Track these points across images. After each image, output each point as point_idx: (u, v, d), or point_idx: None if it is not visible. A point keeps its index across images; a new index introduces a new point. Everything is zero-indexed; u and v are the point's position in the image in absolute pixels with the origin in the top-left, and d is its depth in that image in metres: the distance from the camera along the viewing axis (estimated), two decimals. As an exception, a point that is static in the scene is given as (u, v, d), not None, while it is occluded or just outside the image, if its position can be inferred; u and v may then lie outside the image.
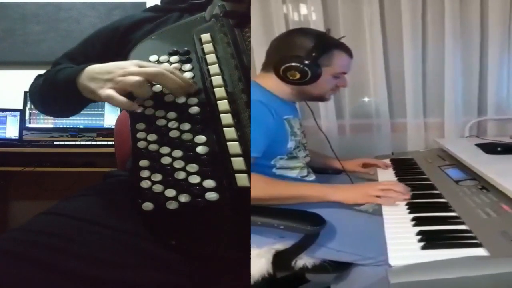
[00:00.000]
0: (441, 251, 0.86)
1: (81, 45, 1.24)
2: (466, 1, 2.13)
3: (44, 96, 1.14)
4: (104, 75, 0.93)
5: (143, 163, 0.89)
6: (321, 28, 2.14)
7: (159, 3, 1.34)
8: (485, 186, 1.20)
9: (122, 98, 0.90)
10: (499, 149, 1.57)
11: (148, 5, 3.12)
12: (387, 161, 1.73)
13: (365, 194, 1.20)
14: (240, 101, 0.94)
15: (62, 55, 1.23)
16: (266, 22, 2.25)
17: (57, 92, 1.06)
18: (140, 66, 0.93)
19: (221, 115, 0.91)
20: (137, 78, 0.89)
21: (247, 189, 0.84)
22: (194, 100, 0.95)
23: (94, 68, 0.96)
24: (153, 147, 0.90)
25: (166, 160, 0.88)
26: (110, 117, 3.10)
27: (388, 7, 2.22)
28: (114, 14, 3.20)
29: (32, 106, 3.08)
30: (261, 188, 1.19)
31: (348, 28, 2.23)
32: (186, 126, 0.91)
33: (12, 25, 3.27)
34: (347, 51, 1.39)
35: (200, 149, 0.88)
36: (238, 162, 0.85)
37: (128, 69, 0.91)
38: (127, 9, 3.22)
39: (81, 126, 3.13)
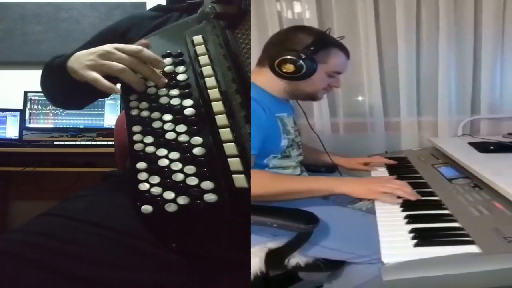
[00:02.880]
0: (434, 249, 0.87)
1: (83, 48, 1.23)
2: (460, 0, 2.14)
3: (45, 83, 1.18)
4: (86, 56, 0.97)
5: (141, 165, 0.88)
6: (315, 26, 2.15)
7: (159, 3, 1.33)
8: (478, 184, 1.21)
9: (104, 82, 0.94)
10: (492, 147, 1.57)
11: (148, 5, 3.15)
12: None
13: (372, 190, 1.18)
14: (234, 101, 0.94)
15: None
16: (260, 19, 2.26)
17: (52, 77, 1.10)
18: (116, 47, 0.97)
19: (215, 116, 0.92)
20: (119, 65, 0.94)
21: (245, 190, 0.83)
22: (188, 101, 0.95)
23: (81, 51, 1.01)
24: (149, 149, 0.90)
25: (163, 162, 0.88)
26: (110, 117, 3.10)
27: (382, 6, 2.23)
28: (114, 14, 3.20)
29: (32, 106, 3.09)
30: (267, 184, 1.19)
31: (342, 26, 2.24)
32: (182, 128, 0.91)
33: (12, 25, 3.27)
34: (345, 51, 1.39)
35: (196, 151, 0.88)
36: (234, 163, 0.85)
37: (106, 49, 0.96)
38: (127, 9, 3.22)
39: (81, 126, 3.13)
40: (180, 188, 0.84)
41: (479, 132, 2.24)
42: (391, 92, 2.31)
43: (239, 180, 0.84)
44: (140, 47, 0.97)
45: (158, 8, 1.30)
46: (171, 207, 0.83)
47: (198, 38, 1.05)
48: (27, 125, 3.11)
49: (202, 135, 0.90)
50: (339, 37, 1.40)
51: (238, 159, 0.86)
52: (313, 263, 1.23)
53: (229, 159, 0.86)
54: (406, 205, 1.14)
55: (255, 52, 1.34)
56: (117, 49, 0.96)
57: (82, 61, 0.97)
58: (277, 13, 2.26)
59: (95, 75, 0.94)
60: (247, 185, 0.83)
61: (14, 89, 3.10)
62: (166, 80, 0.98)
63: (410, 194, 1.17)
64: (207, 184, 0.84)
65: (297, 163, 1.44)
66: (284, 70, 1.29)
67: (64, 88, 1.10)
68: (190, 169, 0.86)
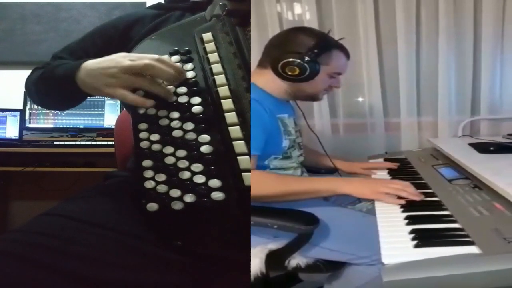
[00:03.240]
0: (434, 249, 0.87)
1: (81, 41, 1.24)
2: (459, 1, 2.14)
3: (41, 90, 1.15)
4: (103, 70, 0.94)
5: (147, 163, 0.88)
6: (315, 27, 2.15)
7: (160, 1, 1.33)
8: (478, 185, 1.21)
9: (134, 96, 0.94)
10: (492, 148, 1.57)
11: (148, 5, 3.15)
12: (382, 161, 1.74)
13: (375, 190, 1.18)
14: (244, 100, 0.94)
15: (63, 49, 1.23)
16: (260, 20, 2.25)
17: (55, 88, 1.08)
18: (130, 59, 0.94)
19: (225, 114, 0.91)
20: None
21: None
22: (196, 99, 0.95)
23: (92, 64, 0.97)
24: (156, 147, 0.90)
25: (169, 160, 0.87)
26: (110, 117, 3.09)
27: (382, 6, 2.23)
28: (114, 14, 3.19)
29: (32, 106, 3.08)
30: (272, 185, 1.19)
31: (342, 27, 2.23)
32: (189, 125, 0.91)
33: (12, 25, 3.26)
34: (345, 52, 1.39)
35: (204, 149, 0.88)
36: (244, 161, 0.85)
37: (124, 64, 0.93)
38: (127, 9, 3.21)
39: (81, 126, 3.12)
40: (187, 186, 0.84)
41: (479, 132, 2.24)
42: (391, 93, 2.30)
43: (249, 178, 0.84)
44: (156, 56, 0.95)
45: (159, 6, 1.29)
46: (177, 205, 0.83)
47: (207, 36, 1.05)
48: (27, 125, 3.10)
49: (210, 133, 0.90)
50: (340, 38, 1.41)
51: (248, 157, 0.86)
52: (314, 264, 1.23)
53: (238, 157, 0.86)
54: (406, 206, 1.14)
55: (255, 53, 1.34)
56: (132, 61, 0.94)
57: (102, 79, 0.95)
58: (277, 14, 2.25)
59: (123, 92, 0.94)
60: None
61: (14, 89, 3.09)
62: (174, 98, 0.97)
63: (414, 194, 1.17)
64: (214, 182, 0.84)
65: (297, 164, 1.44)
66: (289, 73, 1.29)
67: (63, 96, 1.11)
68: (197, 167, 0.86)
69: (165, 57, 0.98)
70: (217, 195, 0.82)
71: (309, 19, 2.24)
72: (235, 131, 0.89)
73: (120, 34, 1.20)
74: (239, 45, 1.03)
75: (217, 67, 0.98)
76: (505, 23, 2.14)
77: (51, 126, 3.13)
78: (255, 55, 1.39)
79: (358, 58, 2.25)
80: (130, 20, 1.23)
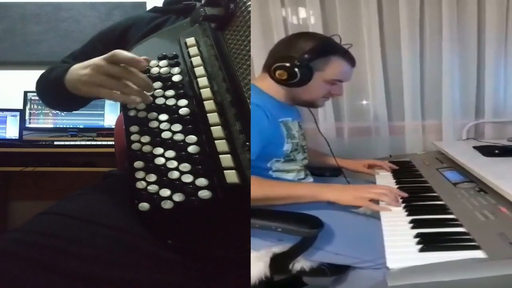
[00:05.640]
0: (439, 254, 0.86)
1: (84, 47, 1.29)
2: (463, 5, 2.15)
3: (43, 92, 1.21)
4: (80, 70, 0.97)
5: (138, 164, 0.91)
6: (319, 31, 2.16)
7: (156, 5, 1.35)
8: (483, 188, 1.21)
9: (108, 91, 0.94)
10: (496, 151, 1.57)
11: (148, 5, 3.15)
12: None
13: (358, 196, 1.17)
14: (225, 100, 0.97)
15: (68, 55, 1.28)
16: (265, 25, 2.25)
17: (51, 90, 1.12)
18: (113, 56, 0.93)
19: (208, 114, 0.94)
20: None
21: (237, 186, 0.85)
22: (183, 101, 0.98)
23: (74, 66, 1.01)
24: (146, 148, 0.93)
25: (159, 160, 0.90)
26: (110, 117, 3.10)
27: (386, 11, 2.23)
28: (114, 14, 3.21)
29: (32, 106, 3.10)
30: (252, 188, 1.18)
31: (347, 31, 2.23)
32: (178, 127, 0.94)
33: (12, 25, 3.27)
34: (348, 59, 1.36)
35: (191, 149, 0.90)
36: (226, 160, 0.88)
37: (97, 63, 0.93)
38: (127, 9, 3.23)
39: (81, 126, 3.13)
40: (176, 186, 0.87)
41: (483, 136, 2.25)
42: (395, 96, 2.30)
43: (230, 176, 0.86)
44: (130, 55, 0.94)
45: (155, 9, 1.33)
46: (167, 204, 0.85)
47: (190, 40, 1.09)
48: (27, 125, 3.11)
49: (197, 133, 0.93)
50: (346, 45, 1.37)
51: (229, 155, 0.88)
52: (318, 268, 1.22)
53: (220, 156, 0.89)
54: (411, 209, 1.13)
55: (260, 58, 1.33)
56: (107, 60, 0.93)
57: (77, 76, 0.98)
58: (282, 19, 2.25)
59: (97, 89, 0.95)
60: (238, 180, 0.85)
61: (14, 89, 3.10)
62: (151, 99, 0.98)
63: (395, 199, 1.17)
64: (201, 181, 0.87)
65: (301, 167, 1.44)
66: (279, 77, 1.28)
67: (62, 99, 1.14)
68: (185, 166, 0.89)
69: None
70: (204, 194, 0.85)
71: (314, 24, 2.24)
72: (216, 130, 0.92)
73: (117, 38, 1.24)
74: (220, 49, 1.06)
75: (199, 70, 1.02)
76: (509, 26, 2.16)
77: (51, 126, 3.14)
78: (260, 60, 1.40)
79: (363, 61, 2.24)
80: (127, 24, 1.26)
